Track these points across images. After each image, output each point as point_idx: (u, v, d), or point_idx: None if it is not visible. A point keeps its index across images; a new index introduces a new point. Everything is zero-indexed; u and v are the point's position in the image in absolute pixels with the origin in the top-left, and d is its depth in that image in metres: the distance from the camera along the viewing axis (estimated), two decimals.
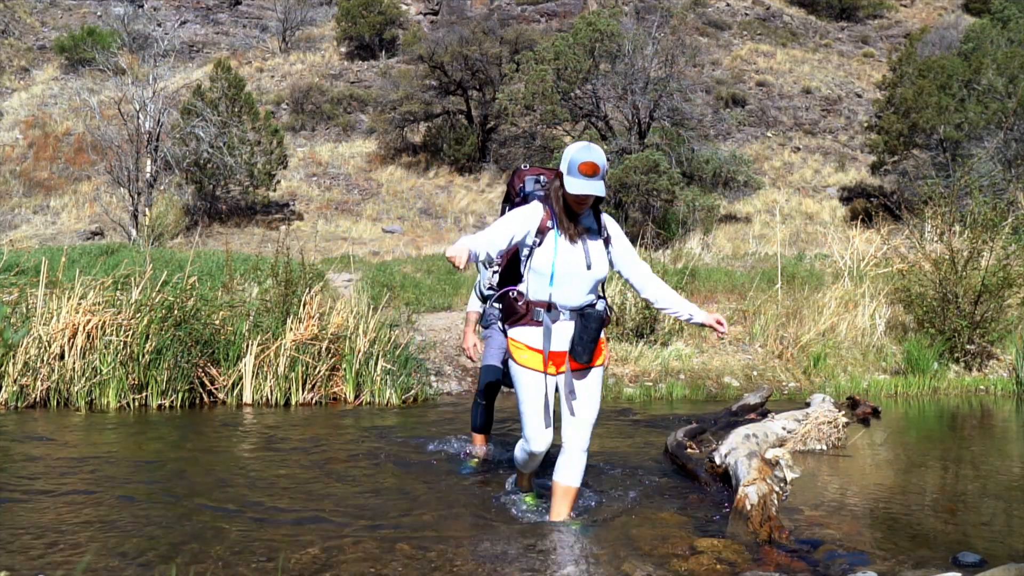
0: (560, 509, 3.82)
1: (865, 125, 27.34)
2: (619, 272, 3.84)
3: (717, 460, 4.62)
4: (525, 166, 4.08)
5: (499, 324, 3.91)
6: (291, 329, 7.59)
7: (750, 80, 30.59)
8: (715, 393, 8.60)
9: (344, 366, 7.64)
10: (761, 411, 6.90)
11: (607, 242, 3.76)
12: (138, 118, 19.52)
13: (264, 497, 4.36)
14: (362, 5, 31.94)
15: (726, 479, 4.48)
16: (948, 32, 29.16)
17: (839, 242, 13.99)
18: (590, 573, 3.36)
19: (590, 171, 3.53)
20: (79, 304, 7.24)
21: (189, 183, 21.82)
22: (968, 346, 9.44)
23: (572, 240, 3.65)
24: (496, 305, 3.90)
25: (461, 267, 3.39)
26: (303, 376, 7.53)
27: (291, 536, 3.69)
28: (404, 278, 12.00)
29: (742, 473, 4.06)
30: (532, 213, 3.69)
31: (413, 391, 7.82)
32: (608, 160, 3.68)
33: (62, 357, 7.00)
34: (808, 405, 6.64)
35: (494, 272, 4.33)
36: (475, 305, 5.26)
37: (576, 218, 3.67)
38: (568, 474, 3.78)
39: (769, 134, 28.34)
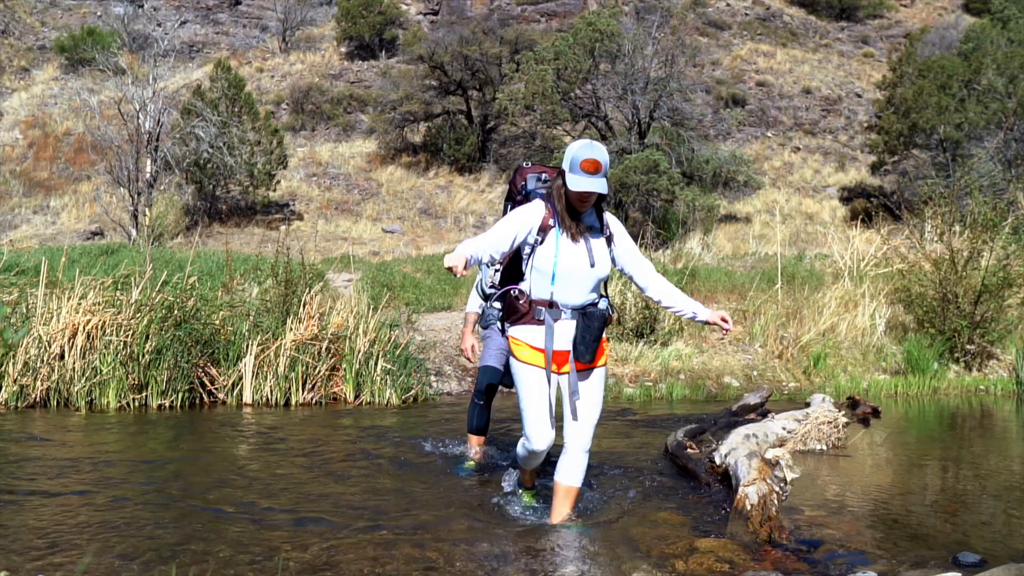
0: (561, 509, 3.81)
1: (865, 125, 27.35)
2: (622, 270, 3.83)
3: (717, 460, 4.62)
4: (527, 164, 4.07)
5: (498, 324, 3.90)
6: (291, 329, 7.59)
7: (750, 80, 30.58)
8: (715, 393, 8.60)
9: (344, 366, 7.64)
10: (761, 411, 6.90)
11: (610, 240, 3.74)
12: (138, 118, 19.52)
13: (264, 497, 4.36)
14: (362, 5, 31.93)
15: (726, 479, 4.47)
16: (948, 32, 29.16)
17: (839, 242, 14.00)
18: (590, 573, 3.36)
19: (592, 168, 3.52)
20: (79, 304, 7.23)
21: (189, 183, 21.81)
22: (968, 346, 9.44)
23: (574, 238, 3.64)
24: (496, 305, 3.89)
25: (459, 275, 3.39)
26: (303, 376, 7.53)
27: (291, 536, 3.69)
28: (404, 278, 12.00)
29: (742, 473, 4.06)
30: (533, 212, 3.68)
31: (413, 391, 7.82)
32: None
33: (62, 357, 7.00)
34: (808, 405, 6.65)
35: (496, 270, 4.32)
36: (474, 306, 5.25)
37: (578, 216, 3.66)
38: (569, 474, 3.77)
39: (769, 134, 28.34)
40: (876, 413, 7.25)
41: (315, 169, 25.69)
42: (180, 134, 20.84)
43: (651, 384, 8.63)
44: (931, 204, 10.25)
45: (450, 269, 3.36)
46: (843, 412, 6.29)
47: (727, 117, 25.02)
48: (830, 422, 5.92)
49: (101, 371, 6.96)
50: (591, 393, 3.74)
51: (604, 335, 3.77)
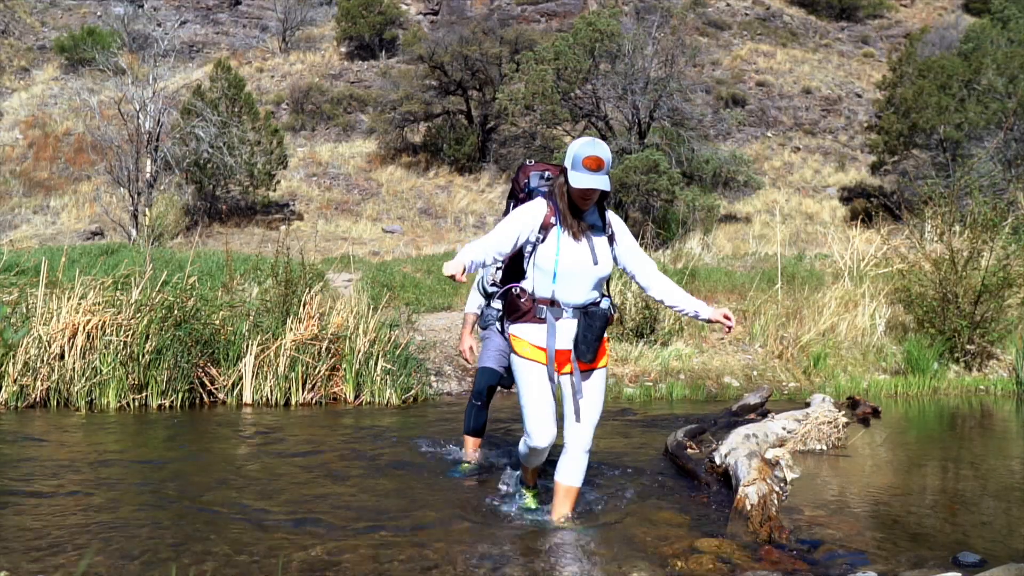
0: (561, 509, 3.81)
1: (865, 125, 27.35)
2: (624, 269, 3.83)
3: (717, 460, 4.62)
4: (530, 162, 4.06)
5: (497, 325, 3.90)
6: (291, 329, 7.59)
7: (750, 80, 30.58)
8: (715, 393, 8.60)
9: (344, 366, 7.64)
10: (761, 411, 6.90)
11: (612, 239, 3.74)
12: (138, 118, 19.52)
13: (264, 497, 4.36)
14: (362, 5, 31.93)
15: (726, 479, 4.47)
16: (948, 32, 29.16)
17: (839, 242, 14.01)
18: (590, 573, 3.36)
19: (594, 165, 3.52)
20: (79, 304, 7.24)
21: (189, 183, 21.81)
22: (968, 346, 9.44)
23: (576, 237, 3.63)
24: (495, 305, 3.89)
25: (459, 281, 3.39)
26: (303, 376, 7.53)
27: (291, 536, 3.69)
28: (404, 278, 12.00)
29: (742, 473, 4.06)
30: (535, 210, 3.68)
31: (413, 391, 7.82)
32: None
33: (62, 357, 7.00)
34: (808, 405, 6.65)
35: (497, 268, 4.32)
36: (473, 306, 5.24)
37: (580, 214, 3.66)
38: (570, 474, 3.77)
39: (769, 134, 28.35)
40: (876, 413, 7.25)
41: (315, 169, 25.69)
42: (180, 134, 20.85)
43: (651, 384, 8.63)
44: (931, 204, 10.26)
45: (451, 277, 3.36)
46: (843, 412, 6.29)
47: (727, 117, 25.03)
48: (830, 422, 5.92)
49: (101, 371, 6.96)
50: (592, 394, 3.74)
51: (605, 335, 3.77)
